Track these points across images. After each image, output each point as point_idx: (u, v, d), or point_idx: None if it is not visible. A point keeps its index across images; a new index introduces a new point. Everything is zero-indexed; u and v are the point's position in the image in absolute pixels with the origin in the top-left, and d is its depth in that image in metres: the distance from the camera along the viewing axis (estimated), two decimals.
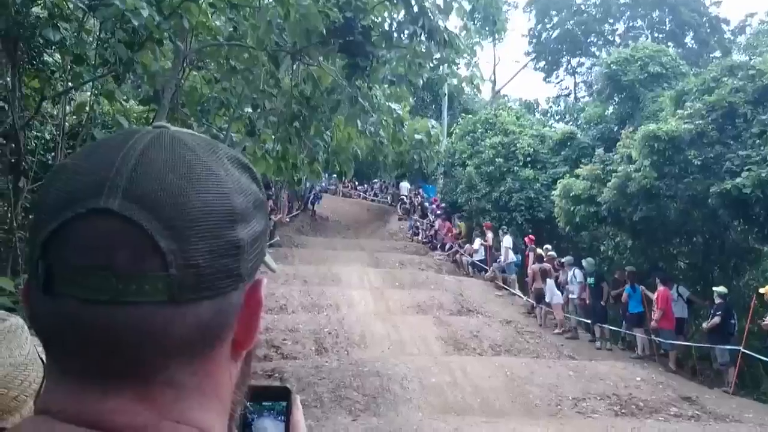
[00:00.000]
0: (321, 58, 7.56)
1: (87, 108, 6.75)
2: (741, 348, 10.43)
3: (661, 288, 12.31)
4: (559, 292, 14.24)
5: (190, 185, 0.57)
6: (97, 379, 0.56)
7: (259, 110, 7.70)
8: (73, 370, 0.57)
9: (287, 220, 25.11)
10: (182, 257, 0.55)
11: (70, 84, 6.60)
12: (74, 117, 7.64)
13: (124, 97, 6.95)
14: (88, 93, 7.10)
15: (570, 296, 14.39)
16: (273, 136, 8.24)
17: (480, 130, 23.31)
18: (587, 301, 13.98)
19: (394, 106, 9.09)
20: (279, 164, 8.01)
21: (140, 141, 0.58)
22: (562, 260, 15.22)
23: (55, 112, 7.39)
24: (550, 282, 14.31)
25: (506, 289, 17.27)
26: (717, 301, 11.14)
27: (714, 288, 11.69)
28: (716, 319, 10.90)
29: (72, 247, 0.54)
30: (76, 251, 0.54)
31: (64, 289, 0.54)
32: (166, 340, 0.55)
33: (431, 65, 8.21)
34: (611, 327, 13.77)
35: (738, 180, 10.79)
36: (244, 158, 0.66)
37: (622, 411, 8.63)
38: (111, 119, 7.64)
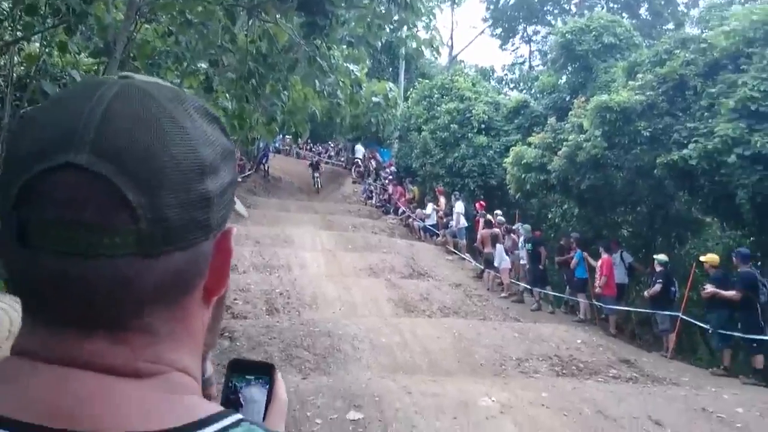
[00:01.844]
0: (278, 15, 7.42)
1: (38, 59, 6.51)
2: (680, 314, 10.86)
3: (604, 256, 12.71)
4: (507, 257, 14.56)
5: (158, 139, 0.57)
6: (74, 325, 0.57)
7: (215, 67, 7.54)
8: (50, 319, 0.58)
9: (240, 180, 24.81)
10: (151, 211, 0.56)
11: (19, 34, 6.35)
12: (23, 68, 7.35)
13: (75, 49, 6.70)
14: (37, 44, 6.84)
15: (520, 262, 14.73)
16: (228, 94, 8.10)
17: (436, 95, 23.33)
18: (527, 266, 14.37)
19: (351, 67, 9.03)
20: (233, 123, 7.90)
21: (107, 93, 0.58)
22: (512, 226, 15.54)
23: (2, 63, 7.11)
24: (499, 247, 14.61)
25: (456, 253, 17.55)
26: (658, 269, 11.53)
27: (655, 256, 12.07)
28: (657, 287, 11.28)
29: (44, 201, 0.55)
30: (47, 205, 0.55)
31: (37, 242, 0.55)
32: (139, 290, 0.57)
33: (391, 27, 8.16)
34: (552, 292, 14.20)
35: (685, 151, 11.02)
36: (211, 109, 0.66)
37: (563, 371, 8.96)
38: (61, 71, 7.38)
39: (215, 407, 0.61)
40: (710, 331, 10.25)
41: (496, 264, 14.67)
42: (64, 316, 0.57)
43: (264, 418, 0.80)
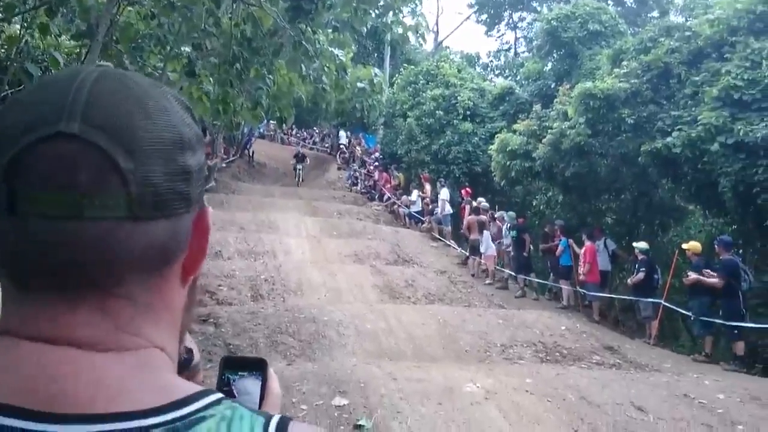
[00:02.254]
0: None
1: (19, 41, 6.40)
2: (663, 301, 10.97)
3: (588, 243, 12.79)
4: (493, 245, 14.62)
5: (143, 113, 0.60)
6: (56, 293, 0.59)
7: (198, 50, 7.45)
8: (33, 287, 0.60)
9: (224, 165, 24.63)
10: (140, 176, 0.58)
11: (0, 15, 6.23)
12: (3, 50, 7.22)
13: (57, 32, 6.59)
14: (18, 26, 6.71)
15: (505, 249, 14.77)
16: (212, 78, 8.02)
17: (422, 82, 23.26)
18: (512, 253, 14.42)
19: (337, 52, 8.96)
20: (218, 107, 7.81)
21: (89, 77, 0.61)
22: (496, 214, 15.58)
23: None
24: (486, 234, 14.66)
25: (442, 240, 17.59)
26: (640, 257, 11.63)
27: (635, 244, 12.17)
28: (641, 275, 11.39)
29: (35, 170, 0.57)
30: (39, 173, 0.57)
31: (27, 209, 0.57)
32: (124, 255, 0.59)
33: (376, 12, 8.10)
34: (536, 279, 14.28)
35: (668, 139, 11.07)
36: (184, 99, 0.70)
37: (547, 358, 9.02)
38: (42, 53, 7.25)
39: (195, 387, 0.63)
40: (692, 318, 10.38)
41: (482, 250, 14.71)
42: (51, 284, 0.59)
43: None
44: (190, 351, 2.60)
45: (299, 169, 26.70)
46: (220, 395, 0.63)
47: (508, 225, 14.61)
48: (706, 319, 9.94)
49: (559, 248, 13.58)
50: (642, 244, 11.82)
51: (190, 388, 0.62)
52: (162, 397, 0.59)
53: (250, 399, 0.83)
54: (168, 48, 7.51)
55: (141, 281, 0.62)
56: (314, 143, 35.50)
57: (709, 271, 9.91)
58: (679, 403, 6.48)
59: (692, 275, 9.97)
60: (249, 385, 0.85)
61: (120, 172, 0.57)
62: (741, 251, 11.63)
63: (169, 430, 0.57)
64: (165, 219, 0.61)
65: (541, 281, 14.38)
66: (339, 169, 28.91)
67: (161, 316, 0.65)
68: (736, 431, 5.83)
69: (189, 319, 0.73)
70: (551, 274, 14.27)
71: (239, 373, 0.85)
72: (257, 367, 0.86)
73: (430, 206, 18.85)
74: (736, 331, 9.42)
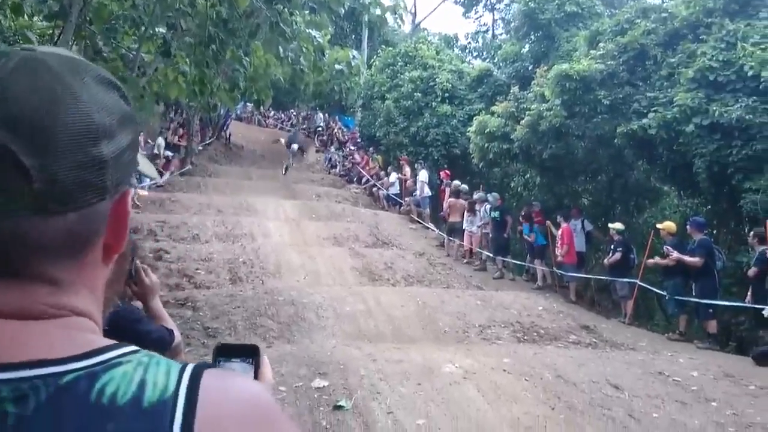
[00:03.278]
0: None
1: None
2: (638, 281, 11.12)
3: (564, 225, 12.91)
4: (473, 227, 14.70)
5: (53, 107, 0.62)
6: None
7: (173, 31, 7.33)
8: None
9: (200, 148, 24.35)
10: (46, 173, 0.60)
11: None
12: None
13: (29, 12, 6.45)
14: None
15: (483, 231, 14.82)
16: (188, 59, 7.90)
17: (400, 63, 23.15)
18: (490, 234, 14.48)
19: (314, 33, 8.87)
20: (194, 88, 7.71)
21: (6, 65, 0.62)
22: (475, 195, 15.63)
23: None
24: (468, 215, 14.75)
25: (420, 222, 17.62)
26: (616, 237, 11.77)
27: (610, 225, 12.30)
28: (617, 255, 11.52)
29: None
30: None
31: None
32: (37, 246, 0.63)
33: None
34: (514, 260, 14.39)
35: (644, 121, 11.15)
36: (111, 76, 0.71)
37: (525, 338, 9.12)
38: (14, 34, 7.09)
39: (114, 341, 0.66)
40: (667, 298, 10.54)
41: (465, 228, 14.77)
42: None
43: None
44: (171, 332, 2.59)
45: (291, 155, 24.80)
46: (136, 348, 0.66)
47: (490, 206, 14.63)
48: (681, 298, 10.11)
49: (529, 235, 13.77)
50: (618, 225, 11.95)
51: (109, 341, 0.66)
52: (83, 348, 0.63)
53: None
54: (143, 29, 7.38)
55: (59, 264, 0.65)
56: (292, 125, 35.22)
57: (674, 252, 10.05)
58: (653, 381, 6.60)
59: (675, 254, 10.06)
60: (237, 367, 0.85)
61: (24, 169, 0.59)
62: (715, 231, 11.81)
63: (87, 374, 0.61)
64: (75, 211, 0.63)
65: (518, 262, 14.50)
66: (317, 151, 28.75)
67: (82, 291, 0.68)
68: (709, 408, 5.96)
69: (112, 292, 0.78)
70: (528, 255, 14.38)
71: (232, 360, 0.86)
72: (251, 353, 0.87)
73: (410, 189, 18.84)
74: (710, 310, 9.59)
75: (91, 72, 0.67)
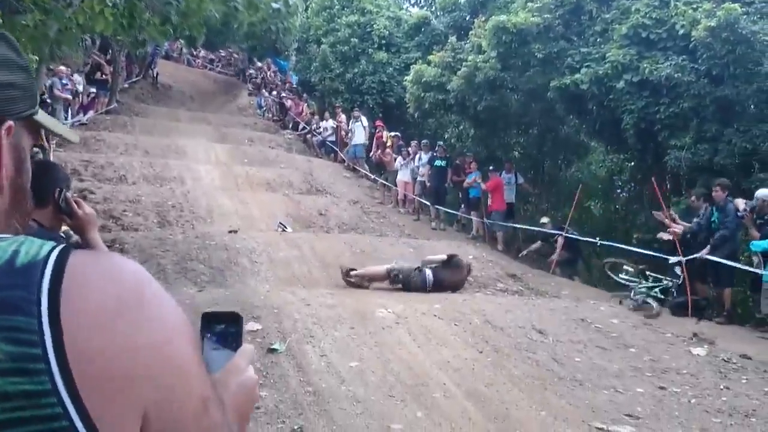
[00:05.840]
0: None
1: None
2: (563, 233, 11.45)
3: (494, 176, 13.16)
4: (407, 175, 14.76)
5: None
6: None
7: None
8: None
9: (126, 85, 23.26)
10: None
11: None
12: None
13: None
14: None
15: (418, 179, 14.80)
16: None
17: (337, 7, 22.59)
18: (427, 184, 14.52)
19: None
20: (122, 22, 7.31)
21: None
22: (414, 143, 15.60)
23: None
24: (399, 163, 14.79)
25: (355, 170, 17.56)
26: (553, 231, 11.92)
27: (542, 220, 12.53)
28: (564, 254, 11.60)
29: None
30: None
31: None
32: None
33: None
34: (447, 209, 14.56)
35: (577, 76, 11.37)
36: None
37: None
38: None
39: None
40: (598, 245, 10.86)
41: (400, 179, 14.83)
42: None
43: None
44: None
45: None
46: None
47: (433, 155, 14.52)
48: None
49: (468, 180, 13.85)
50: (545, 219, 12.35)
51: None
52: None
53: (222, 354, 0.90)
54: None
55: None
56: (223, 66, 34.01)
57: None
58: (576, 327, 6.91)
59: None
60: (225, 357, 0.90)
61: None
62: (639, 186, 12.28)
63: None
64: None
65: (450, 211, 14.67)
66: (250, 95, 27.94)
67: None
68: (628, 353, 6.31)
69: (21, 218, 0.82)
70: (461, 206, 14.58)
71: (216, 328, 0.91)
72: (232, 320, 0.93)
73: (344, 135, 18.63)
74: None
75: None
